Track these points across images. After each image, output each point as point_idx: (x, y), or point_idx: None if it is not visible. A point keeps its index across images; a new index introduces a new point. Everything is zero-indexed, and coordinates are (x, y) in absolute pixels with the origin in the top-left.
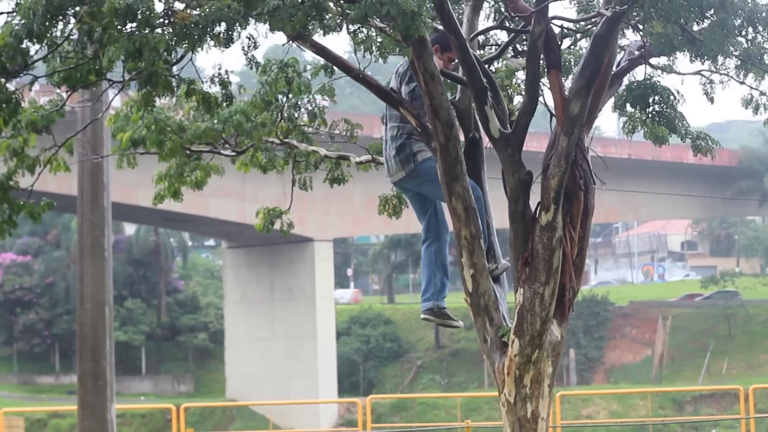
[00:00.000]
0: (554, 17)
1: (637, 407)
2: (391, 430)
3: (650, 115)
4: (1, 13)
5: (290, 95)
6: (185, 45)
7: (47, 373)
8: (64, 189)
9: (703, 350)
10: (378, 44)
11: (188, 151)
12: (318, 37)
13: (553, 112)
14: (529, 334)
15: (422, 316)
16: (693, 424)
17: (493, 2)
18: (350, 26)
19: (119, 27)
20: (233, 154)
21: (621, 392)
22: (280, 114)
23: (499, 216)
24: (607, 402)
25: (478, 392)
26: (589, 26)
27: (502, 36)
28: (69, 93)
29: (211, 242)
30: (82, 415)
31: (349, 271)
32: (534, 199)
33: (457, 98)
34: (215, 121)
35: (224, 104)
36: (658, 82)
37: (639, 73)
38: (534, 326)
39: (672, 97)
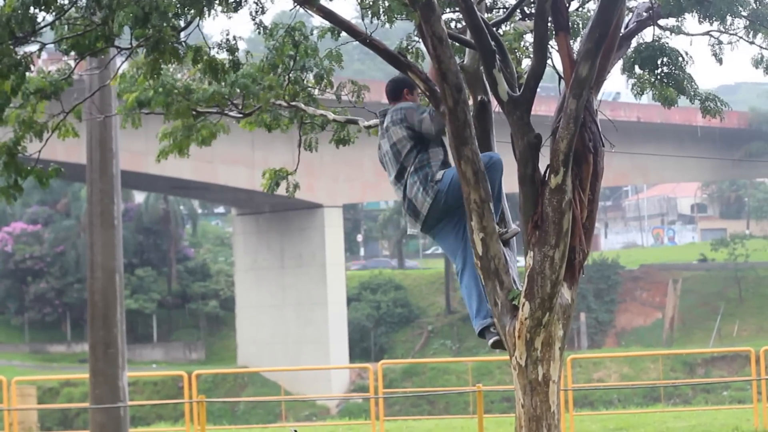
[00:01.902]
0: None
1: (648, 370)
2: (403, 395)
3: (659, 77)
4: None
5: (297, 58)
6: (193, 10)
7: (59, 341)
8: (73, 158)
9: (714, 313)
10: (385, 8)
11: (195, 112)
12: (325, 2)
13: (562, 74)
14: (539, 297)
15: (493, 340)
16: (704, 387)
17: None
18: None
19: None
20: (240, 115)
21: (632, 355)
22: (287, 77)
23: (509, 180)
24: (618, 365)
25: (489, 357)
26: None
27: None
28: (77, 60)
29: (220, 209)
30: (94, 382)
31: (359, 237)
32: (543, 162)
33: (465, 62)
34: (222, 85)
35: (231, 71)
36: (667, 43)
37: (647, 34)
38: (544, 289)
39: (681, 59)
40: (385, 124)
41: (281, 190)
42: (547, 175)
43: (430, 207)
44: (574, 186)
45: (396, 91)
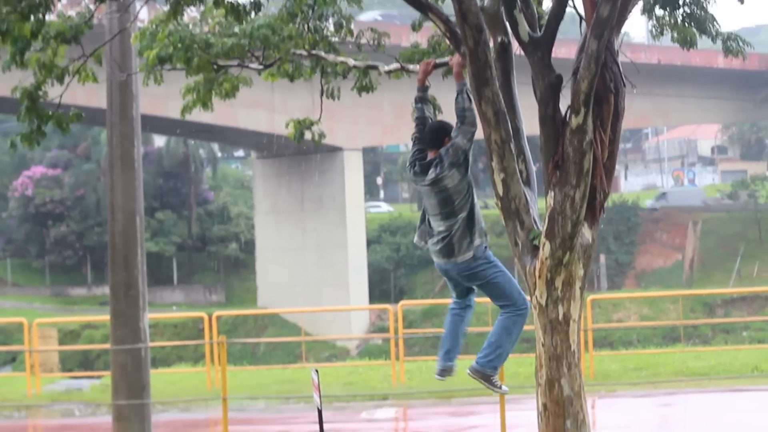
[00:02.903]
0: None
1: (668, 311)
2: (423, 336)
3: (680, 17)
4: None
5: (315, 7)
6: None
7: (79, 284)
8: (93, 102)
9: (734, 254)
10: None
11: (215, 66)
12: None
13: (583, 15)
14: (560, 236)
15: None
16: (724, 327)
17: None
18: None
19: None
20: (260, 67)
21: (651, 296)
22: (306, 26)
23: (530, 122)
24: (638, 306)
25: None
26: None
27: None
28: (97, 4)
29: (240, 153)
30: (115, 324)
31: (379, 180)
32: (564, 103)
33: (486, 3)
34: (241, 38)
35: (252, 12)
36: None
37: None
38: (565, 229)
39: None
40: (433, 175)
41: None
42: (568, 115)
43: (466, 261)
44: (595, 126)
45: (438, 140)
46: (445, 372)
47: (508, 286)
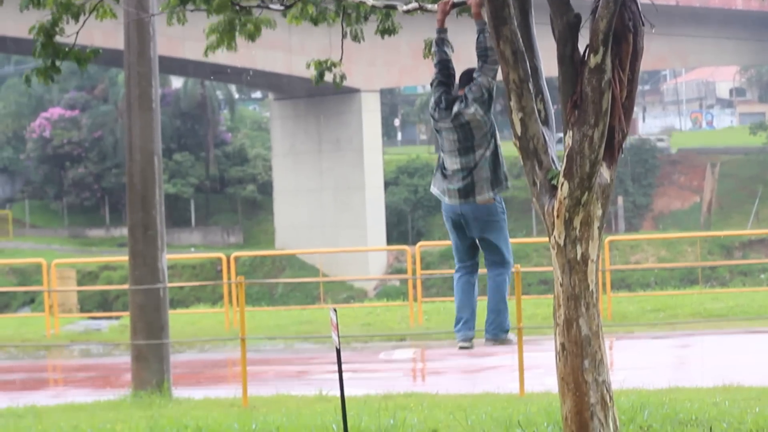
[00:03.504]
0: None
1: (686, 253)
2: (440, 277)
3: None
4: None
5: None
6: None
7: (97, 226)
8: (110, 43)
9: (752, 196)
10: None
11: (237, 7)
12: None
13: None
14: (578, 176)
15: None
16: (741, 269)
17: None
18: None
19: None
20: (282, 7)
21: (669, 237)
22: None
23: (548, 63)
24: (656, 248)
25: (526, 239)
26: None
27: None
28: None
29: (258, 94)
30: (133, 264)
31: (396, 122)
32: (582, 42)
33: None
34: None
35: None
36: None
37: None
38: (583, 168)
39: None
40: (456, 109)
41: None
42: (586, 54)
43: (486, 202)
44: (614, 65)
45: (470, 81)
46: (467, 341)
47: (507, 240)
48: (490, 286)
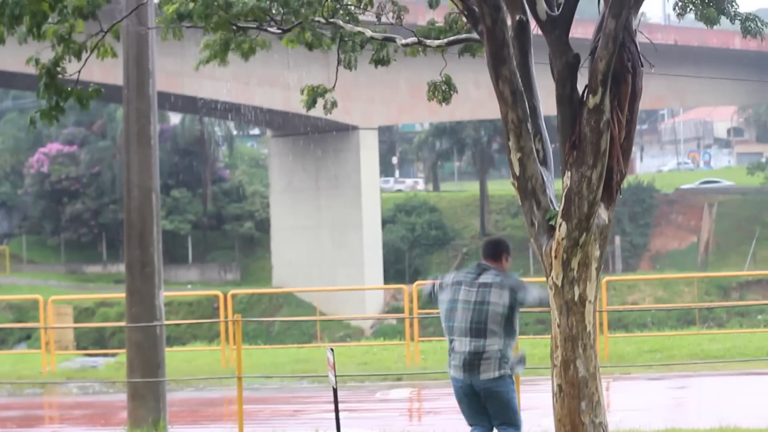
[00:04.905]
0: None
1: (683, 294)
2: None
3: None
4: None
5: None
6: None
7: (94, 262)
8: (110, 79)
9: (749, 237)
10: None
11: (234, 27)
12: None
13: None
14: (576, 217)
15: None
16: (739, 310)
17: None
18: None
19: None
20: (279, 31)
21: (666, 278)
22: None
23: (547, 103)
24: (653, 288)
25: (523, 278)
26: None
27: None
28: None
29: (256, 131)
30: (130, 301)
31: (394, 160)
32: (581, 82)
33: None
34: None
35: None
36: None
37: None
38: (581, 209)
39: None
40: (481, 281)
41: (319, 110)
42: (585, 95)
43: (489, 379)
44: (613, 106)
45: (497, 254)
46: None
47: (515, 405)
48: None
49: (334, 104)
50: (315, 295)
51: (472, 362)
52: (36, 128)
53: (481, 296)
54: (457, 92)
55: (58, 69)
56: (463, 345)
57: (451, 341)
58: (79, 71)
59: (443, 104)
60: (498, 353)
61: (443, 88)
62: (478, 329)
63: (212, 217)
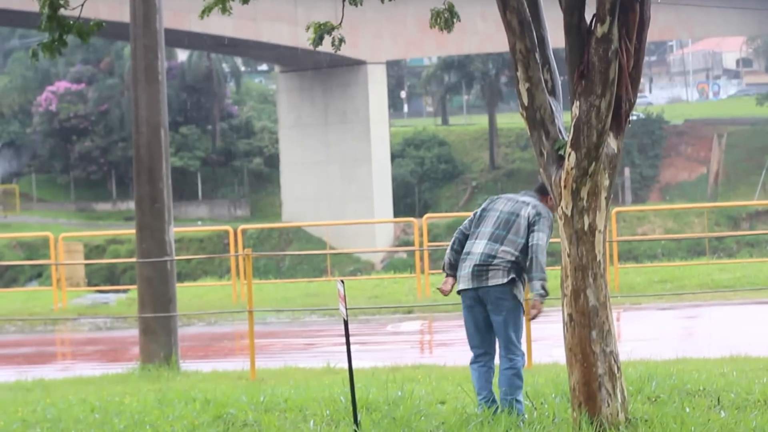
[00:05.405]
0: None
1: (693, 224)
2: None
3: None
4: None
5: None
6: None
7: (104, 200)
8: (116, 16)
9: (759, 167)
10: None
11: None
12: None
13: None
14: (585, 146)
15: None
16: (749, 240)
17: None
18: None
19: None
20: None
21: (676, 208)
22: None
23: (555, 34)
24: (663, 219)
25: None
26: None
27: None
28: None
29: (264, 67)
30: (141, 237)
31: (403, 94)
32: (589, 12)
33: None
34: None
35: None
36: None
37: None
38: (590, 139)
39: None
40: (523, 199)
41: (326, 46)
42: (593, 24)
43: (497, 285)
44: (621, 35)
45: (545, 191)
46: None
47: (519, 331)
48: (500, 381)
49: (341, 41)
50: (325, 230)
51: (482, 267)
52: (38, 60)
53: (515, 208)
54: (459, 20)
55: (61, 2)
56: (479, 247)
57: (462, 253)
58: (82, 5)
59: (446, 32)
60: (509, 264)
61: (446, 15)
62: (498, 235)
63: (221, 154)
